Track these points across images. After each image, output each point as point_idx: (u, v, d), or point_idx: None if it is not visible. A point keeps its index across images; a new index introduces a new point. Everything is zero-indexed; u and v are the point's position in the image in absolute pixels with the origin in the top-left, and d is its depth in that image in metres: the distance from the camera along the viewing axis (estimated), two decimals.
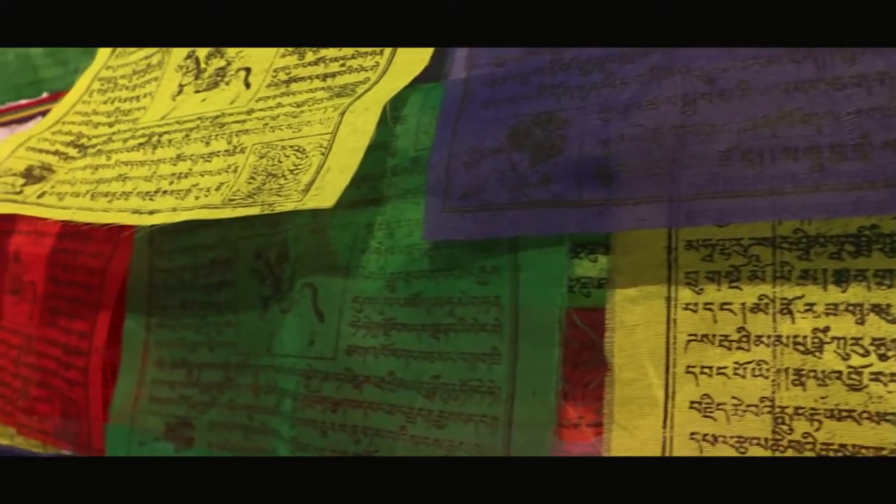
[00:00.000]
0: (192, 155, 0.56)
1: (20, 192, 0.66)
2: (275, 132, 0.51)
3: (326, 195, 0.44)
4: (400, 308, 0.46)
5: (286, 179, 0.47)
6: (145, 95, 0.68)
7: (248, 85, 0.59)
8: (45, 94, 0.88)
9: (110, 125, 0.68)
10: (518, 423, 0.41)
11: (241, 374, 0.59)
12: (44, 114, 0.86)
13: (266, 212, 0.46)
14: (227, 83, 0.61)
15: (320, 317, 0.50)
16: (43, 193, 0.64)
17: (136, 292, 0.69)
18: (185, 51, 0.67)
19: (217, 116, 0.58)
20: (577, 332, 0.41)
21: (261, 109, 0.55)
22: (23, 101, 0.90)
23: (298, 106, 0.52)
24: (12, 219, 0.86)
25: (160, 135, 0.61)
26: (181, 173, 0.55)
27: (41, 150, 0.70)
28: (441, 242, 0.44)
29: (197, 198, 0.52)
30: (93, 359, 0.72)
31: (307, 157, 0.47)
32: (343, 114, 0.48)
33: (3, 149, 0.72)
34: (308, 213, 0.52)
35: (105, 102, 0.72)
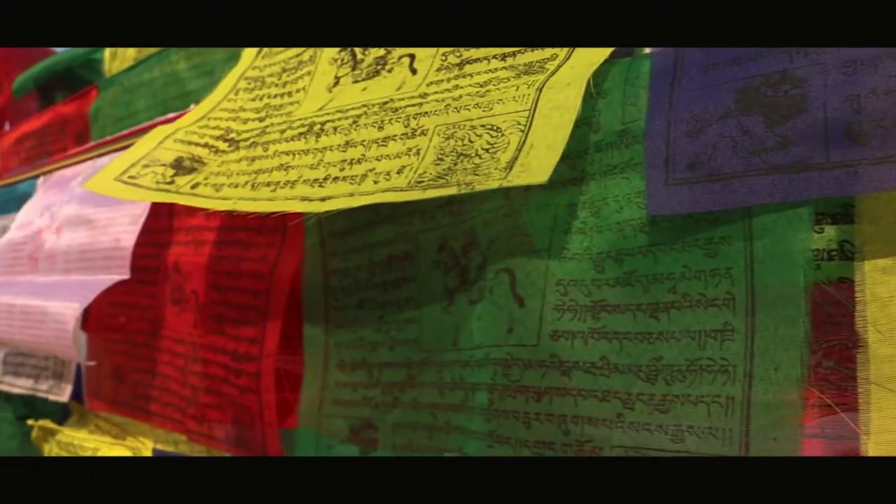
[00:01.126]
0: (364, 140, 0.56)
1: (171, 183, 0.67)
2: (460, 112, 0.51)
3: (535, 171, 0.43)
4: (610, 289, 0.45)
5: (482, 159, 0.46)
6: (298, 91, 0.69)
7: (414, 71, 0.59)
8: (192, 106, 0.91)
9: (260, 120, 0.70)
10: (758, 402, 0.39)
11: (425, 372, 0.58)
12: None
13: (464, 191, 0.45)
14: (389, 71, 0.61)
15: (520, 302, 0.49)
16: (197, 184, 0.66)
17: (311, 296, 0.70)
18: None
19: (385, 102, 0.58)
20: (817, 305, 0.38)
21: (436, 93, 0.54)
22: (171, 115, 0.93)
23: (482, 86, 0.51)
24: (170, 230, 0.89)
25: (322, 124, 0.61)
26: (353, 159, 0.55)
27: (189, 143, 0.72)
28: (658, 217, 0.42)
29: (376, 182, 0.52)
30: (264, 364, 0.73)
31: (503, 135, 0.47)
32: (540, 90, 0.47)
33: (150, 140, 0.74)
34: (500, 197, 0.51)
35: (253, 100, 0.73)
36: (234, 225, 0.77)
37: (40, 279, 0.98)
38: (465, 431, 0.54)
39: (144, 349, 0.92)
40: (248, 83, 0.75)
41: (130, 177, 0.70)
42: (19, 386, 1.13)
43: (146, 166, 0.70)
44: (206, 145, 0.70)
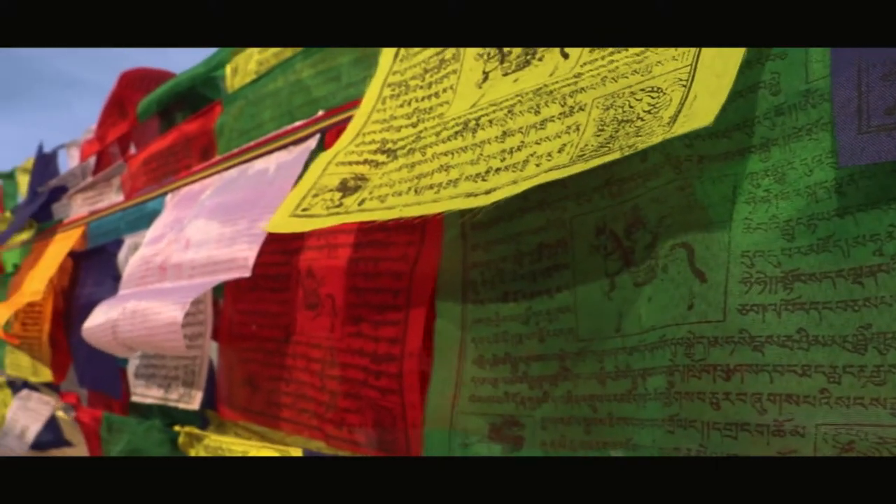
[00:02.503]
0: (521, 127, 0.55)
1: (340, 206, 0.68)
2: (617, 82, 0.50)
3: (699, 116, 0.42)
4: (803, 257, 0.43)
5: (643, 121, 0.46)
6: (445, 90, 0.69)
7: (565, 55, 0.58)
8: (320, 112, 0.92)
9: (413, 125, 0.70)
10: None
11: (581, 363, 0.57)
12: (322, 132, 0.90)
13: (628, 153, 0.44)
14: (539, 59, 0.60)
15: (701, 277, 0.47)
16: (363, 200, 0.66)
17: (447, 291, 0.69)
18: None
19: (538, 89, 0.57)
20: None
21: (591, 70, 0.54)
22: (298, 123, 0.94)
23: (639, 53, 0.50)
24: (301, 236, 0.90)
25: (476, 119, 0.61)
26: (512, 148, 0.55)
27: (350, 163, 0.72)
28: (856, 175, 0.40)
29: (538, 165, 0.51)
30: (406, 364, 0.73)
31: (665, 94, 0.46)
32: None
33: (314, 170, 0.76)
34: (669, 171, 0.50)
35: (401, 106, 0.74)
36: (371, 226, 0.78)
37: (167, 286, 1.01)
38: (635, 421, 0.52)
39: (277, 356, 0.94)
40: (393, 90, 0.76)
41: (303, 209, 0.72)
42: (151, 396, 1.16)
43: (315, 196, 0.72)
44: (365, 161, 0.72)
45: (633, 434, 0.53)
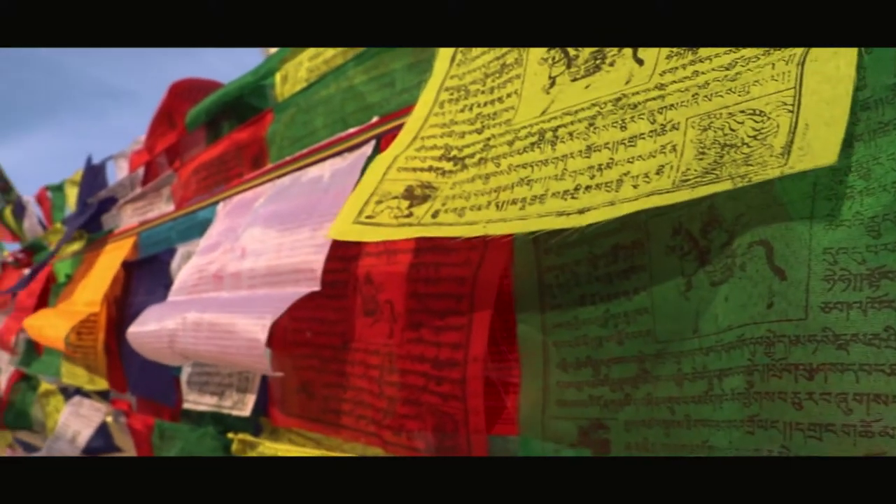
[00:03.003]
0: (608, 143, 0.55)
1: (410, 215, 0.68)
2: (712, 101, 0.49)
3: (819, 153, 0.41)
4: (890, 254, 0.42)
5: (750, 147, 0.45)
6: (509, 95, 0.69)
7: (640, 61, 0.57)
8: (374, 119, 0.93)
9: (478, 132, 0.70)
10: None
11: (660, 365, 0.57)
12: (377, 138, 0.91)
13: (741, 185, 0.44)
14: (610, 64, 0.60)
15: (781, 275, 0.46)
16: (437, 212, 0.66)
17: (525, 296, 0.69)
18: None
19: (618, 99, 0.57)
20: None
21: (675, 82, 0.53)
22: (352, 129, 0.95)
23: (728, 68, 0.49)
24: (358, 243, 0.91)
25: (553, 130, 0.61)
26: (601, 164, 0.54)
27: (413, 169, 0.72)
28: None
29: (636, 186, 0.51)
30: (470, 369, 0.73)
31: (769, 118, 0.45)
32: (802, 64, 0.45)
33: (372, 174, 0.75)
34: None
35: (462, 111, 0.74)
36: None
37: (225, 295, 1.02)
38: (711, 423, 0.52)
39: (334, 363, 0.94)
40: (451, 94, 0.76)
41: (368, 217, 0.71)
42: (204, 403, 1.18)
43: (379, 202, 0.71)
44: (430, 169, 0.71)
45: (709, 436, 0.52)
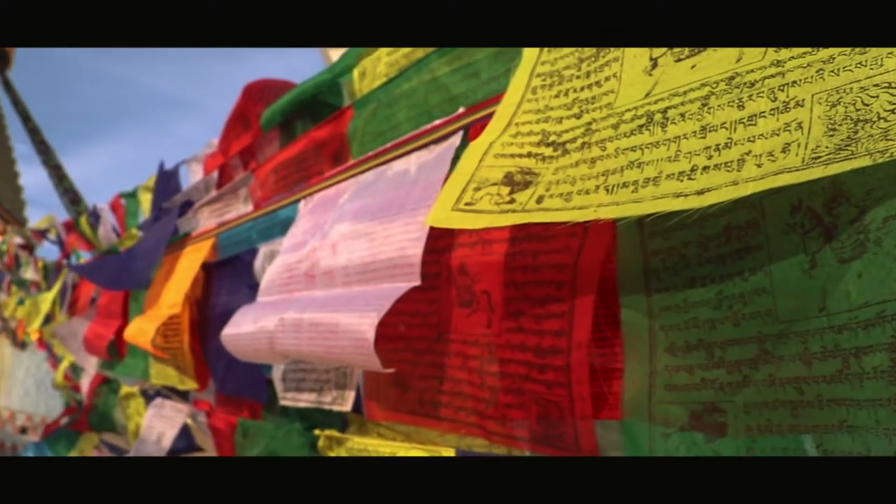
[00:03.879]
0: (725, 123, 0.54)
1: (512, 202, 0.68)
2: (839, 76, 0.48)
3: None
4: None
5: (888, 122, 0.44)
6: (607, 79, 0.68)
7: None
8: (461, 110, 0.93)
9: (577, 117, 0.69)
10: None
11: (783, 345, 0.56)
12: (464, 129, 0.91)
13: (881, 160, 0.43)
14: None
15: None
16: (541, 198, 0.66)
17: (629, 280, 0.69)
18: None
19: (731, 78, 0.56)
20: None
21: (794, 58, 0.52)
22: (437, 122, 0.95)
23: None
24: (451, 233, 0.91)
25: (662, 111, 0.60)
26: (718, 145, 0.54)
27: (511, 155, 0.72)
28: None
29: (759, 165, 0.50)
30: (574, 356, 0.73)
31: None
32: None
33: (468, 161, 0.75)
34: None
35: (556, 96, 0.73)
36: None
37: (320, 294, 1.03)
38: (850, 402, 0.51)
39: (429, 355, 0.95)
40: (543, 80, 0.75)
41: (467, 204, 0.71)
42: (303, 400, 1.19)
43: (477, 189, 0.71)
44: (529, 155, 0.71)
45: (847, 416, 0.51)
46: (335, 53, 3.96)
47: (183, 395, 2.02)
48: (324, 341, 0.95)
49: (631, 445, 0.68)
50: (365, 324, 0.87)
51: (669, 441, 0.65)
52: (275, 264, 1.18)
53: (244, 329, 1.13)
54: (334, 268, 1.01)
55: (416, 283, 0.87)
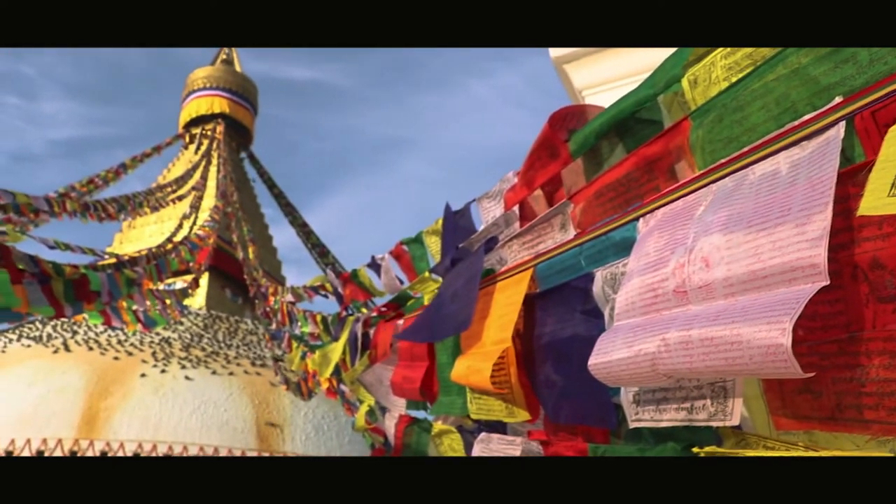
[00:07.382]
0: None
1: None
2: None
3: None
4: None
5: None
6: None
7: None
8: (837, 99, 0.90)
9: None
10: None
11: None
12: (846, 119, 0.88)
13: None
14: None
15: None
16: None
17: None
18: None
19: None
20: None
21: None
22: (807, 117, 0.93)
23: None
24: (849, 228, 0.88)
25: None
26: None
27: None
28: None
29: None
30: None
31: None
32: None
33: (893, 148, 0.72)
34: None
35: None
36: None
37: (699, 308, 1.02)
38: None
39: (841, 357, 0.91)
40: None
41: None
42: (665, 420, 1.18)
43: None
44: None
45: None
46: (571, 68, 3.94)
47: (500, 429, 2.07)
48: (722, 354, 0.93)
49: None
50: (775, 330, 0.85)
51: None
52: (630, 286, 1.18)
53: (616, 356, 1.14)
54: (711, 281, 1.00)
55: (825, 282, 0.84)
